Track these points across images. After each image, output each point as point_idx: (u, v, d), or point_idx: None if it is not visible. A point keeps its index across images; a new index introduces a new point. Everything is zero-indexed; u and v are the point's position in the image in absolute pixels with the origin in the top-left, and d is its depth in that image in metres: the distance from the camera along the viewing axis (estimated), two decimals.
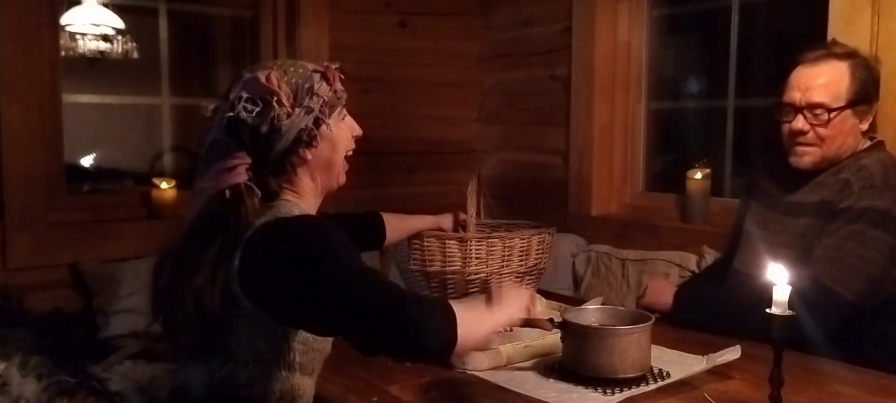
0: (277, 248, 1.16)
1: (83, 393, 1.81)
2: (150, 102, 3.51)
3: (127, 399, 2.22)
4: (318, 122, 1.25)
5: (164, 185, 3.02)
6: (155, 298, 1.25)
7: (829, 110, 1.72)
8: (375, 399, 1.34)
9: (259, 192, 1.21)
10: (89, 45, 4.08)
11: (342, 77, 1.32)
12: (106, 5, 3.97)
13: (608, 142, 3.14)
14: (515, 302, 1.35)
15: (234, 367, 1.22)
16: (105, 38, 4.14)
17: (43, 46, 2.74)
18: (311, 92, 1.25)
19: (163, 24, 3.25)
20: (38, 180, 2.72)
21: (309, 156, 1.26)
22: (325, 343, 1.30)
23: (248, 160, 1.22)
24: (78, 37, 4.05)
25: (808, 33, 2.41)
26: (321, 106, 1.26)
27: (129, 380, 2.37)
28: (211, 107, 1.28)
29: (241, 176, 1.21)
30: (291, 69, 1.27)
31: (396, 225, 1.90)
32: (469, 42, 3.64)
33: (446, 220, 2.00)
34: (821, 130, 1.73)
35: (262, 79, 1.23)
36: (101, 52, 4.16)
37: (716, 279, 1.99)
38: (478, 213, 2.06)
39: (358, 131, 1.37)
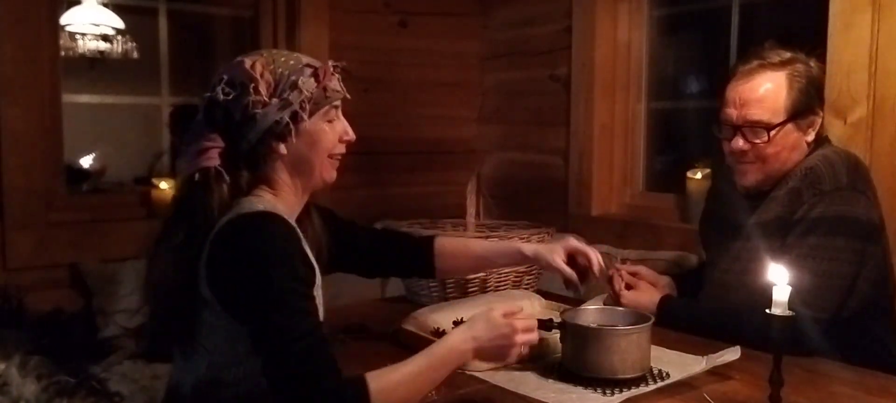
0: (232, 246, 1.14)
1: (83, 393, 1.80)
2: (150, 102, 3.51)
3: (127, 399, 2.22)
4: (295, 117, 1.22)
5: (163, 185, 3.02)
6: (144, 285, 1.24)
7: (769, 128, 1.62)
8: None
9: (228, 179, 1.19)
10: (89, 45, 4.08)
11: (338, 76, 1.29)
12: (106, 5, 3.98)
13: (608, 142, 3.14)
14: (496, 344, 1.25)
15: (218, 369, 1.20)
16: (105, 38, 4.15)
17: (43, 46, 2.73)
18: (293, 85, 1.22)
19: (163, 23, 3.25)
20: (37, 180, 2.72)
21: (282, 150, 1.23)
22: (320, 312, 1.26)
23: (221, 144, 1.20)
24: (78, 37, 4.05)
25: (808, 33, 2.41)
26: (302, 101, 1.22)
27: (129, 380, 2.37)
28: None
29: (213, 160, 1.19)
30: (281, 60, 1.25)
31: (460, 252, 1.63)
32: (469, 42, 3.64)
33: (555, 255, 1.56)
34: (762, 148, 1.63)
35: (246, 65, 1.21)
36: (101, 52, 4.17)
37: (696, 282, 1.90)
38: (477, 213, 2.06)
39: (349, 135, 1.33)
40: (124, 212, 2.98)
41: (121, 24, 4.13)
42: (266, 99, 1.20)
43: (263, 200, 1.23)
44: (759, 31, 2.88)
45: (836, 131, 2.06)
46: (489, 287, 1.94)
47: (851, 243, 1.56)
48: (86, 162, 4.36)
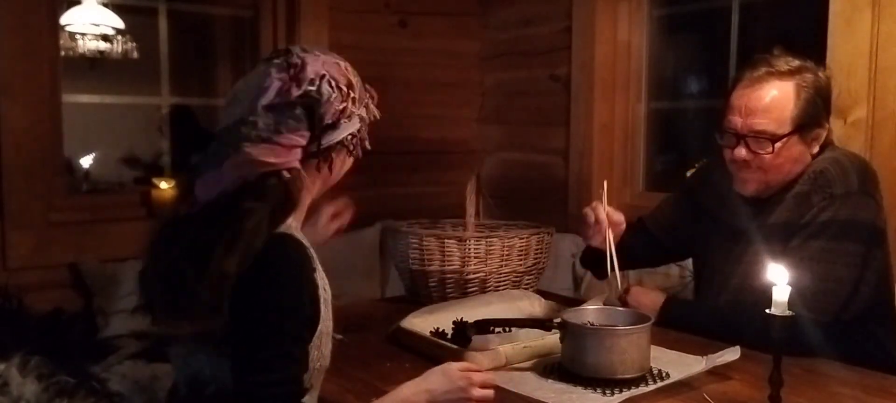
0: (254, 266, 1.08)
1: (83, 393, 1.81)
2: (150, 102, 3.51)
3: (127, 399, 2.22)
4: (361, 134, 1.21)
5: (163, 185, 3.02)
6: (151, 276, 1.17)
7: (773, 139, 1.57)
8: (374, 399, 1.34)
9: (306, 178, 1.16)
10: (89, 44, 4.09)
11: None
12: (106, 5, 3.98)
13: (608, 142, 3.14)
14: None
15: (222, 382, 1.14)
16: (105, 37, 4.15)
17: (43, 46, 2.74)
18: (367, 105, 1.22)
19: (163, 23, 3.25)
20: (37, 180, 2.72)
21: (337, 165, 1.21)
22: (324, 359, 1.23)
23: (306, 142, 1.15)
24: (78, 37, 4.06)
25: (808, 33, 2.41)
26: (368, 123, 1.22)
27: (129, 380, 2.37)
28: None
29: (298, 160, 1.14)
30: (352, 69, 1.23)
31: None
32: (469, 42, 3.64)
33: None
34: (764, 159, 1.58)
35: (342, 66, 1.19)
36: (101, 52, 4.17)
37: (631, 239, 1.86)
38: (477, 213, 2.06)
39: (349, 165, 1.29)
40: (124, 212, 2.98)
41: (121, 24, 4.13)
42: (353, 108, 1.19)
43: (294, 224, 1.19)
44: (758, 31, 2.88)
45: (836, 131, 2.06)
46: (489, 287, 1.94)
47: (858, 248, 1.54)
48: (86, 162, 4.37)
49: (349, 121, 1.19)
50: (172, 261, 1.12)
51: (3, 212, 2.66)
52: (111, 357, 2.52)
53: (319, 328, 1.18)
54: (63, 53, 3.43)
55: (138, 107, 4.07)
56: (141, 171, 4.24)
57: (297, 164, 1.14)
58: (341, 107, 1.17)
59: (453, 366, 1.25)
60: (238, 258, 1.06)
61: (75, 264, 2.81)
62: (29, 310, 2.62)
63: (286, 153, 1.13)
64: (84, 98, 3.49)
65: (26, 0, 2.67)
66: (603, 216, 1.75)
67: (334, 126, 1.17)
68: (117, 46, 4.24)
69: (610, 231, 1.73)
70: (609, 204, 1.79)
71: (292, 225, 1.18)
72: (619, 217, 1.79)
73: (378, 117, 1.26)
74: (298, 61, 1.17)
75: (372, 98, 1.25)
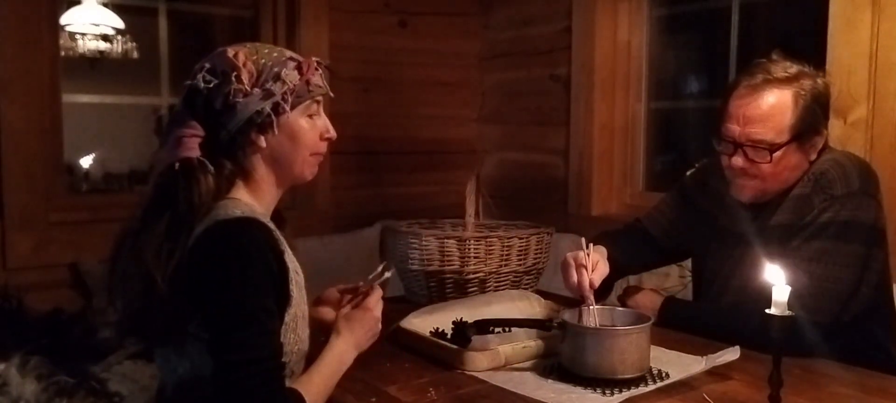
0: (209, 255, 1.12)
1: (83, 393, 1.81)
2: (150, 102, 3.51)
3: (126, 399, 2.22)
4: (276, 108, 1.20)
5: None
6: (111, 277, 1.20)
7: (772, 149, 1.56)
8: (374, 399, 1.34)
9: (212, 168, 1.17)
10: (89, 44, 4.09)
11: (321, 72, 1.27)
12: (106, 5, 3.98)
13: (608, 142, 3.14)
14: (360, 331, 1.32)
15: (202, 383, 1.16)
16: (105, 37, 4.15)
17: (43, 46, 2.74)
18: (277, 77, 1.20)
19: (163, 23, 3.25)
20: (38, 180, 2.72)
21: (262, 143, 1.22)
22: (302, 343, 1.25)
23: (201, 133, 1.18)
24: (78, 37, 4.06)
25: (808, 33, 2.41)
26: (284, 93, 1.20)
27: (129, 380, 2.37)
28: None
29: (194, 150, 1.17)
30: (264, 51, 1.23)
31: None
32: (469, 42, 3.64)
33: None
34: (762, 168, 1.58)
35: (229, 54, 1.19)
36: (101, 52, 4.17)
37: (629, 242, 1.87)
38: (477, 213, 2.06)
39: (331, 133, 1.30)
40: (125, 212, 2.97)
41: (121, 24, 4.14)
42: (248, 88, 1.18)
43: (241, 204, 1.21)
44: (758, 31, 2.88)
45: (836, 132, 2.06)
46: (488, 287, 1.94)
47: (858, 248, 1.54)
48: (86, 161, 4.37)
49: (246, 99, 1.19)
50: (124, 262, 1.19)
51: (2, 212, 2.66)
52: (111, 357, 2.51)
53: (293, 310, 1.20)
54: (63, 53, 3.44)
55: (138, 107, 4.07)
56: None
57: (190, 154, 1.17)
58: (227, 91, 1.18)
59: (349, 312, 1.36)
60: (153, 254, 1.12)
61: (75, 264, 2.81)
62: (29, 310, 2.62)
63: (177, 145, 1.18)
64: (84, 98, 3.49)
65: (26, 0, 2.67)
66: (585, 281, 1.60)
67: (230, 109, 1.19)
68: (117, 46, 4.24)
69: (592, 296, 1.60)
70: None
71: (256, 209, 1.22)
72: (604, 269, 1.68)
73: (315, 85, 1.26)
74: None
75: (303, 68, 1.24)
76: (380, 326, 1.36)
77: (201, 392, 1.16)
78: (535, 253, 2.00)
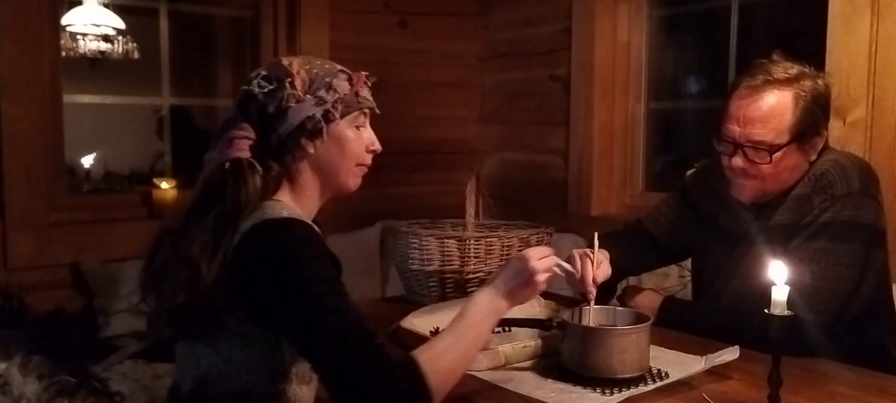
0: (262, 253, 1.14)
1: (84, 393, 1.81)
2: (151, 102, 3.51)
3: (127, 398, 2.22)
4: (327, 116, 1.24)
5: (164, 185, 3.03)
6: (147, 273, 1.23)
7: (771, 150, 1.56)
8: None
9: (260, 169, 1.21)
10: (90, 45, 4.09)
11: (369, 85, 1.32)
12: (106, 6, 3.98)
13: (608, 142, 3.14)
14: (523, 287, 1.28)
15: (228, 378, 1.19)
16: (106, 38, 4.15)
17: (43, 47, 2.74)
18: (328, 86, 1.25)
19: (163, 24, 3.25)
20: (38, 180, 2.73)
21: (311, 149, 1.25)
22: None
23: (253, 135, 1.22)
24: (79, 37, 4.06)
25: (808, 33, 2.41)
26: (335, 101, 1.25)
27: (130, 380, 2.37)
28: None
29: (244, 151, 1.21)
30: (317, 62, 1.28)
31: None
32: (469, 42, 3.64)
33: None
34: (762, 169, 1.58)
35: (284, 62, 1.24)
36: (102, 53, 4.17)
37: (630, 242, 1.86)
38: (477, 213, 2.06)
39: (375, 146, 1.35)
40: (125, 212, 2.99)
41: (122, 25, 4.13)
42: (300, 95, 1.23)
43: (286, 205, 1.24)
44: (758, 31, 2.88)
45: (836, 132, 2.07)
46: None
47: (858, 248, 1.54)
48: (87, 161, 4.37)
49: (298, 105, 1.22)
50: (162, 257, 1.21)
51: (4, 212, 2.67)
52: (112, 357, 2.52)
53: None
54: (64, 54, 3.44)
55: (139, 107, 4.07)
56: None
57: (241, 155, 1.21)
58: (281, 96, 1.22)
59: (521, 258, 1.31)
60: (200, 247, 1.15)
61: (76, 264, 2.82)
62: (30, 310, 2.62)
63: (228, 146, 1.21)
64: (85, 98, 3.50)
65: (27, 0, 2.67)
66: (589, 274, 1.57)
67: (282, 114, 1.22)
68: (118, 47, 4.24)
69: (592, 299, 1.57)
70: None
71: (296, 210, 1.24)
72: (607, 269, 1.64)
73: (364, 98, 1.30)
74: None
75: (353, 80, 1.29)
76: (536, 276, 1.29)
77: (225, 385, 1.19)
78: None
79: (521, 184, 3.43)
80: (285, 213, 1.21)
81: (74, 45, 4.07)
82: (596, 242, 1.59)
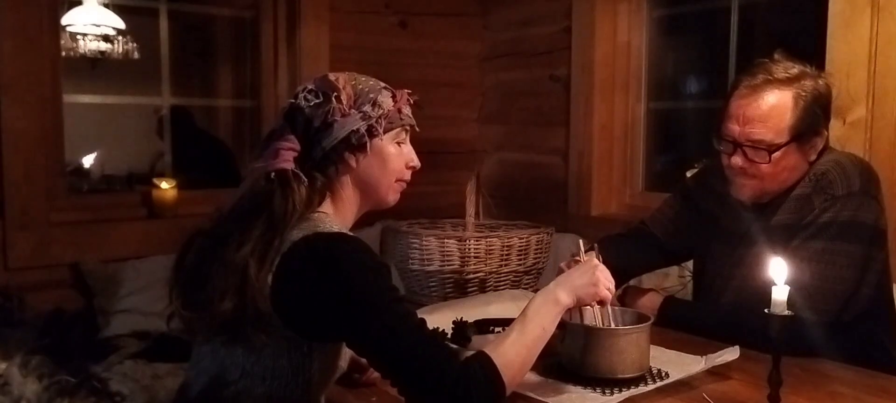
0: (320, 265, 1.15)
1: (84, 393, 1.81)
2: (151, 103, 3.51)
3: (127, 398, 2.22)
4: (371, 131, 1.26)
5: (164, 185, 3.02)
6: (177, 273, 1.24)
7: (771, 149, 1.56)
8: (375, 399, 1.35)
9: (305, 180, 1.22)
10: (90, 45, 4.09)
11: (412, 104, 1.35)
12: (106, 6, 3.98)
13: (608, 142, 3.14)
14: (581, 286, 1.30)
15: (251, 382, 1.20)
16: (106, 38, 4.15)
17: (44, 46, 2.74)
18: (373, 102, 1.27)
19: (163, 24, 3.25)
20: (38, 180, 2.73)
21: (354, 163, 1.27)
22: (344, 360, 1.31)
23: (298, 147, 1.24)
24: (79, 37, 4.06)
25: (807, 33, 2.41)
26: (379, 117, 1.27)
27: (130, 380, 2.37)
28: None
29: (289, 162, 1.22)
30: (362, 79, 1.30)
31: None
32: (469, 42, 3.64)
33: None
34: (761, 168, 1.58)
35: (331, 77, 1.26)
36: (102, 53, 4.17)
37: (635, 245, 1.88)
38: (477, 213, 2.06)
39: (415, 162, 1.38)
40: (125, 212, 2.99)
41: (122, 25, 4.14)
42: (346, 109, 1.25)
43: (333, 220, 1.26)
44: (758, 31, 2.88)
45: (836, 132, 2.06)
46: (489, 286, 1.95)
47: (859, 248, 1.54)
48: (87, 161, 4.37)
49: (344, 119, 1.24)
50: (202, 256, 1.21)
51: (4, 212, 2.66)
52: (112, 357, 2.53)
53: None
54: (64, 54, 3.44)
55: (139, 107, 4.07)
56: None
57: (285, 166, 1.22)
58: (327, 110, 1.24)
59: (590, 263, 1.36)
60: (249, 248, 1.16)
61: (76, 264, 2.81)
62: (30, 310, 2.63)
63: (274, 156, 1.22)
64: (85, 98, 3.50)
65: (27, 0, 2.67)
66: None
67: (328, 127, 1.24)
68: (118, 47, 4.24)
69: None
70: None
71: (332, 219, 1.26)
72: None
73: (406, 115, 1.34)
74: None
75: (396, 97, 1.32)
76: (600, 287, 1.32)
77: (245, 388, 1.19)
78: (535, 253, 2.00)
79: (521, 184, 3.43)
80: (336, 228, 1.23)
81: (74, 45, 4.08)
82: (596, 252, 1.59)
